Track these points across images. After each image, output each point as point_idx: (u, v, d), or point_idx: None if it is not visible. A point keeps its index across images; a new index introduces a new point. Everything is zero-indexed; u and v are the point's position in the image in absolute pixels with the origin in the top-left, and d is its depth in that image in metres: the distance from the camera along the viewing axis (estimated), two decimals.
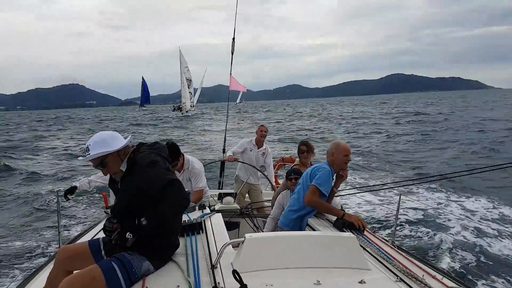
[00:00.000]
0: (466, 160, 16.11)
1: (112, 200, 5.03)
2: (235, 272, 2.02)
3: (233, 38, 7.01)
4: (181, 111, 66.78)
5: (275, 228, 4.28)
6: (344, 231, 3.21)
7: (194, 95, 71.66)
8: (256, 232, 4.80)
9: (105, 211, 4.32)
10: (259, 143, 6.43)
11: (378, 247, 2.89)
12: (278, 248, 2.43)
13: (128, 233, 2.29)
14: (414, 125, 33.62)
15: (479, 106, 60.82)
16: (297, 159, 7.82)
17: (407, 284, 2.24)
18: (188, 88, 65.95)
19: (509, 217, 8.39)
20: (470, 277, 5.75)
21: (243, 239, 2.44)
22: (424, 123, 35.26)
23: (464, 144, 20.78)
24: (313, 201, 3.49)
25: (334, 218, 3.51)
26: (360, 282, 2.25)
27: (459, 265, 6.12)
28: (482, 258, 6.44)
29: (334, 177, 3.70)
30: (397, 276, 2.35)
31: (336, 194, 3.97)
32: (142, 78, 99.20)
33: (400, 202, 4.24)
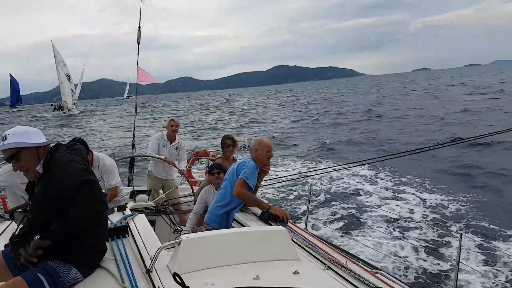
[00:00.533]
0: (346, 136, 18.83)
1: (11, 203, 4.35)
2: (175, 275, 1.96)
3: (139, 27, 6.69)
4: (62, 110, 60.24)
5: (197, 223, 4.28)
6: (270, 224, 3.31)
7: (75, 91, 65.15)
8: (173, 228, 4.73)
9: (2, 216, 3.74)
10: (171, 137, 6.25)
11: (302, 237, 3.02)
12: (216, 247, 2.43)
13: (37, 237, 2.08)
14: (304, 112, 36.84)
15: (353, 92, 69.57)
16: (211, 153, 7.77)
17: (334, 271, 2.39)
18: (69, 83, 59.75)
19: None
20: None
21: (179, 240, 2.38)
22: (310, 110, 38.88)
23: (347, 126, 23.93)
24: (243, 193, 3.55)
25: (258, 211, 3.59)
26: (294, 273, 2.34)
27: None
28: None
29: (257, 172, 3.80)
30: (325, 264, 2.49)
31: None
32: (10, 75, 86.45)
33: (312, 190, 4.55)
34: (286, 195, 10.32)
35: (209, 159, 7.31)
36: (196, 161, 7.95)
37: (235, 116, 39.58)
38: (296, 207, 9.11)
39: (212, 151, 8.09)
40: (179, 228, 4.71)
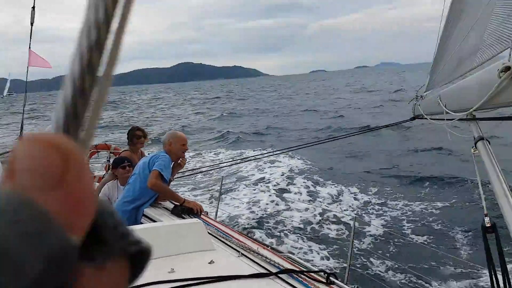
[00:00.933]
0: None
1: None
2: None
3: (33, 7, 5.92)
4: None
5: None
6: (183, 217, 3.24)
7: None
8: None
9: None
10: None
11: (216, 228, 3.07)
12: None
13: None
14: (210, 108, 37.33)
15: (257, 92, 73.02)
16: (112, 145, 7.24)
17: (248, 258, 2.50)
18: None
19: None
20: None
21: None
22: (216, 106, 39.71)
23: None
24: (158, 184, 3.38)
25: (169, 205, 3.48)
26: (210, 262, 2.38)
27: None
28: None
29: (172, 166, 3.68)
30: (239, 251, 2.59)
31: None
32: None
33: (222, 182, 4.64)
34: (194, 186, 10.49)
35: (111, 152, 6.88)
36: (94, 155, 7.37)
37: (137, 112, 38.22)
38: (204, 198, 9.34)
39: (114, 144, 7.57)
40: None
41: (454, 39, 2.89)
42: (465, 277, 5.31)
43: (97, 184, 5.21)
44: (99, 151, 7.35)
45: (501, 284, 1.48)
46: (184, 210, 3.30)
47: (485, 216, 1.64)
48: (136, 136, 4.81)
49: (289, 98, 47.84)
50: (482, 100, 1.61)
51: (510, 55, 1.48)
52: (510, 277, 1.49)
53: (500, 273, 1.49)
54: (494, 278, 1.50)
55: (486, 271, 1.65)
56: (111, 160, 6.83)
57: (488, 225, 1.59)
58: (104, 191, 4.14)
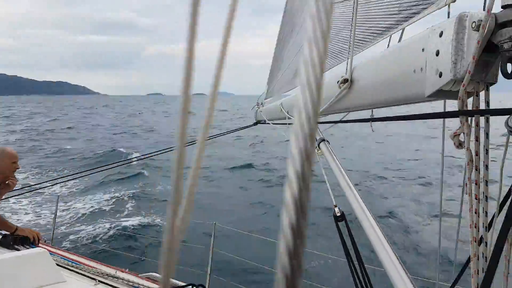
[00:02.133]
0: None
1: None
2: None
3: None
4: None
5: None
6: (17, 249, 2.68)
7: None
8: None
9: None
10: None
11: (63, 256, 2.73)
12: None
13: None
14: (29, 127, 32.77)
15: (86, 110, 67.82)
16: None
17: (106, 284, 2.30)
18: None
19: None
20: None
21: None
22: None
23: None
24: None
25: None
26: None
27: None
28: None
29: None
30: (95, 279, 2.35)
31: None
32: None
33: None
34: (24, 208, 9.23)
35: None
36: None
37: None
38: (37, 222, 8.23)
39: None
40: None
41: (289, 51, 3.28)
42: (331, 267, 5.83)
43: None
44: None
45: (356, 264, 1.66)
46: (17, 240, 2.73)
47: (335, 206, 1.83)
48: None
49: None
50: (323, 107, 1.82)
51: (346, 69, 1.70)
52: (362, 258, 1.69)
53: (355, 256, 1.69)
54: (350, 262, 1.64)
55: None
56: None
57: (338, 214, 1.80)
58: None
